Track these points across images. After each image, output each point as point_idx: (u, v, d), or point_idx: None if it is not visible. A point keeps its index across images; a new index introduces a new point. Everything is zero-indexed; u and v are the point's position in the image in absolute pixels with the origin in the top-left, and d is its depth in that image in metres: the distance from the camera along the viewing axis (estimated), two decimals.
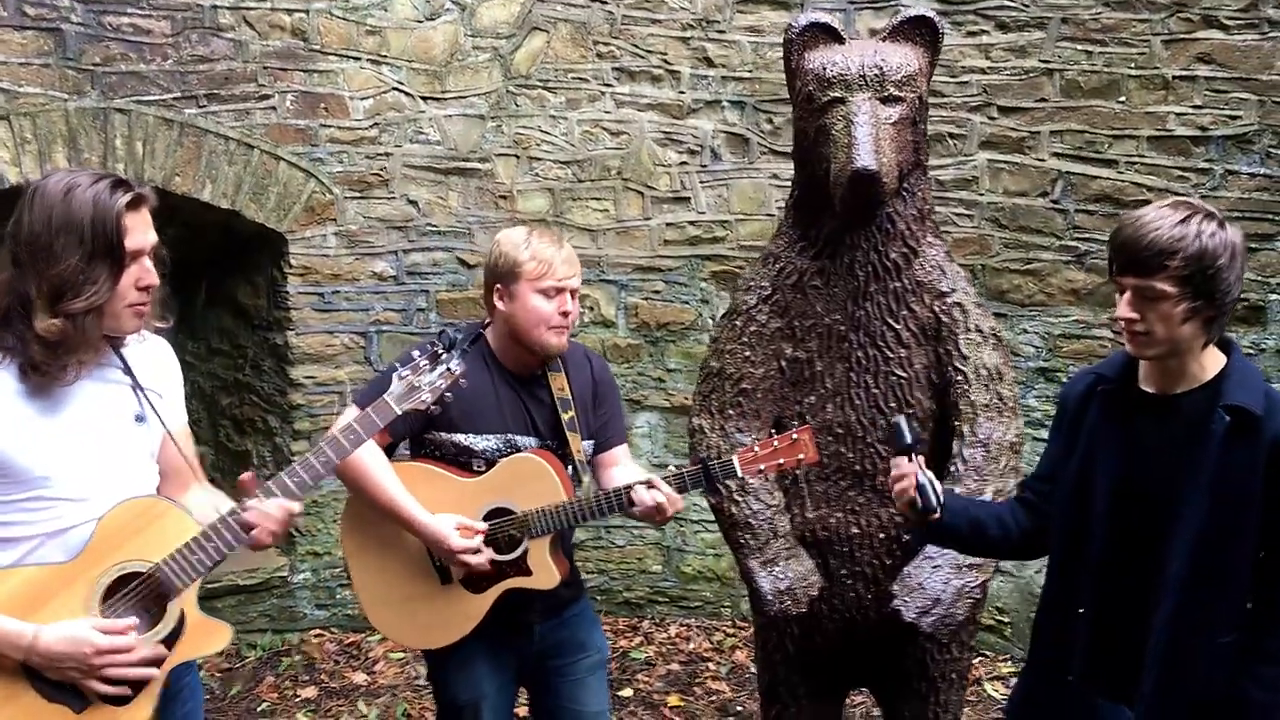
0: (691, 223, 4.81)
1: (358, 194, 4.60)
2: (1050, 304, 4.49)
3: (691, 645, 4.83)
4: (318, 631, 4.82)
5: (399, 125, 4.61)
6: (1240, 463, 2.02)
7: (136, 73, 4.19)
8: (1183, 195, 4.05)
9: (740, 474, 2.61)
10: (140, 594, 1.97)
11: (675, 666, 4.62)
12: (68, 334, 1.90)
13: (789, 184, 4.69)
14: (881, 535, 2.90)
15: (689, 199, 4.79)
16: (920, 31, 2.81)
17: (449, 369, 2.31)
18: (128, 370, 2.08)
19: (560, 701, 2.84)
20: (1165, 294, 2.00)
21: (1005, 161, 4.51)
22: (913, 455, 2.27)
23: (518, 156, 4.74)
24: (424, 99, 4.63)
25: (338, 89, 4.51)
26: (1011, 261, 4.52)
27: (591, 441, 2.83)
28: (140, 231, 1.98)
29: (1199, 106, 4.16)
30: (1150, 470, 2.13)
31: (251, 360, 4.83)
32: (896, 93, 2.71)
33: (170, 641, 1.98)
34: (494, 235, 4.68)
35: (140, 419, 2.08)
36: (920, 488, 2.24)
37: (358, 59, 4.53)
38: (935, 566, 2.74)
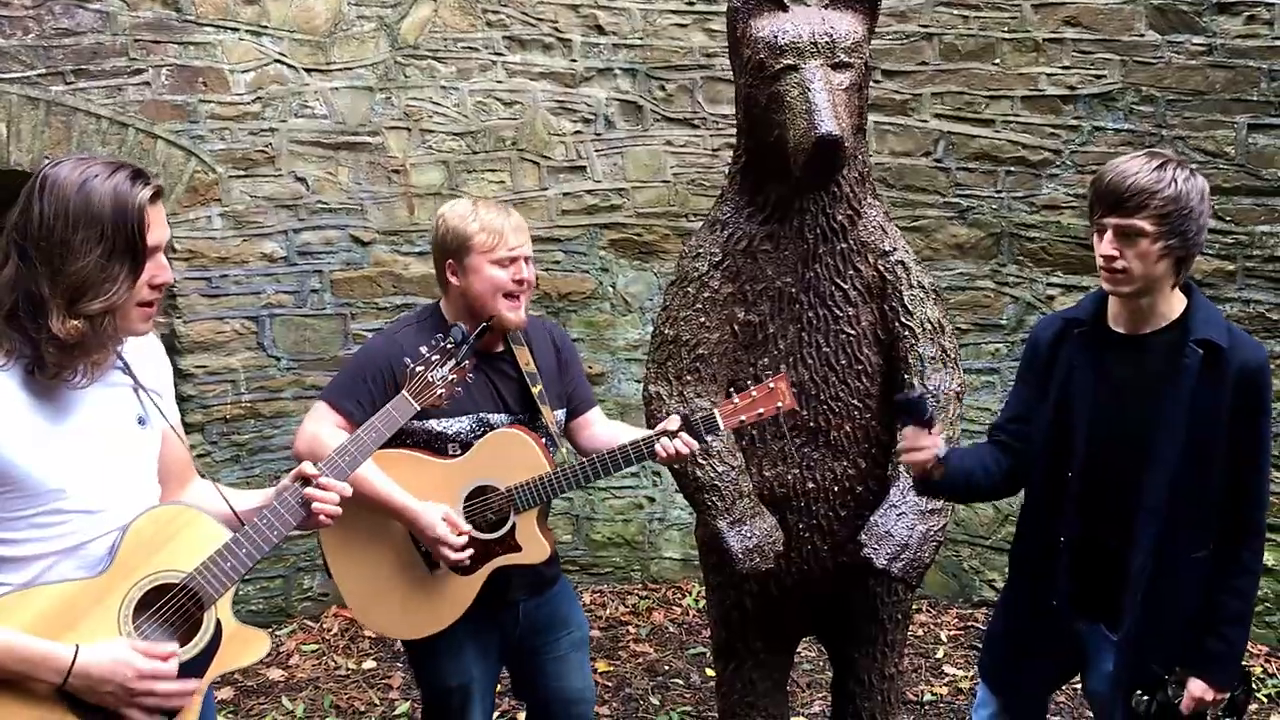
0: (589, 192, 4.80)
1: (242, 172, 4.38)
2: (936, 258, 4.70)
3: (608, 611, 4.88)
4: None
5: (283, 99, 4.41)
6: (1209, 393, 2.21)
7: None
8: (1053, 149, 4.34)
9: (723, 427, 2.67)
10: (174, 607, 1.87)
11: (596, 633, 4.66)
12: (86, 336, 1.78)
13: (683, 150, 4.84)
14: (835, 489, 3.01)
15: (585, 168, 4.78)
16: None
17: (460, 364, 2.32)
18: (127, 370, 1.96)
19: (546, 680, 2.85)
20: (1145, 231, 2.17)
21: (890, 123, 4.69)
22: (931, 430, 2.40)
23: (409, 129, 4.60)
24: (308, 71, 4.44)
25: (216, 62, 4.28)
26: (899, 219, 4.66)
27: (564, 410, 2.82)
28: (159, 226, 1.86)
29: (1067, 67, 4.42)
30: (1125, 406, 2.30)
31: None
32: (846, 59, 2.78)
33: (208, 653, 1.89)
34: (389, 211, 4.63)
35: (142, 421, 1.96)
36: (943, 459, 2.38)
37: (236, 30, 4.29)
38: (900, 514, 2.86)
